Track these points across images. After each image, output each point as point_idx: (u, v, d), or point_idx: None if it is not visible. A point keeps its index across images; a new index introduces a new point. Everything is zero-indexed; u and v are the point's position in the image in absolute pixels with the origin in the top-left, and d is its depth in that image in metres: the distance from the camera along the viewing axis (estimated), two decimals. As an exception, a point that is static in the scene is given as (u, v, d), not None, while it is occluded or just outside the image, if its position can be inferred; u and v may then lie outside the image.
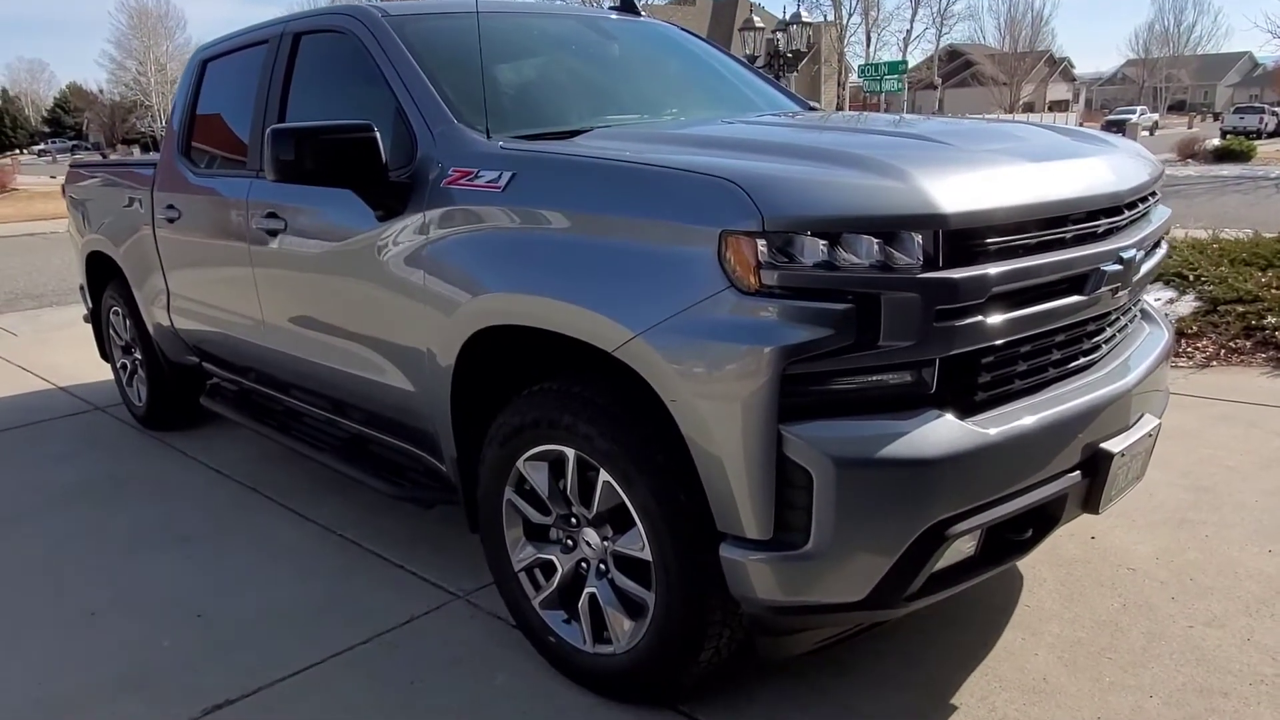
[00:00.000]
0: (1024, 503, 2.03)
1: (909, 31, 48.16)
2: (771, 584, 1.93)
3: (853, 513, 1.85)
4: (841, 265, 1.83)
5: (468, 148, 2.54)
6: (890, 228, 1.84)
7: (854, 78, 45.23)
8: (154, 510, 3.86)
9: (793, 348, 1.80)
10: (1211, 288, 5.68)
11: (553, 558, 2.46)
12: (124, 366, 5.12)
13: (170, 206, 4.00)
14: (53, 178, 36.89)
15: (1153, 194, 2.52)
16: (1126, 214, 2.28)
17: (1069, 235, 2.09)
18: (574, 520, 2.40)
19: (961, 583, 2.06)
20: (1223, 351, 5.13)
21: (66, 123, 78.32)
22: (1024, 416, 2.02)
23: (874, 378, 1.90)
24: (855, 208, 1.86)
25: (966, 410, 1.98)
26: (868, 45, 46.75)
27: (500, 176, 2.36)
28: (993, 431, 1.94)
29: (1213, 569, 2.88)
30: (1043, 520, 2.14)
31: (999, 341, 1.97)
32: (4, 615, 3.04)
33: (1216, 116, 55.69)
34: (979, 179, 2.00)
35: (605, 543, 2.33)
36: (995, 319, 1.93)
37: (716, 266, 1.87)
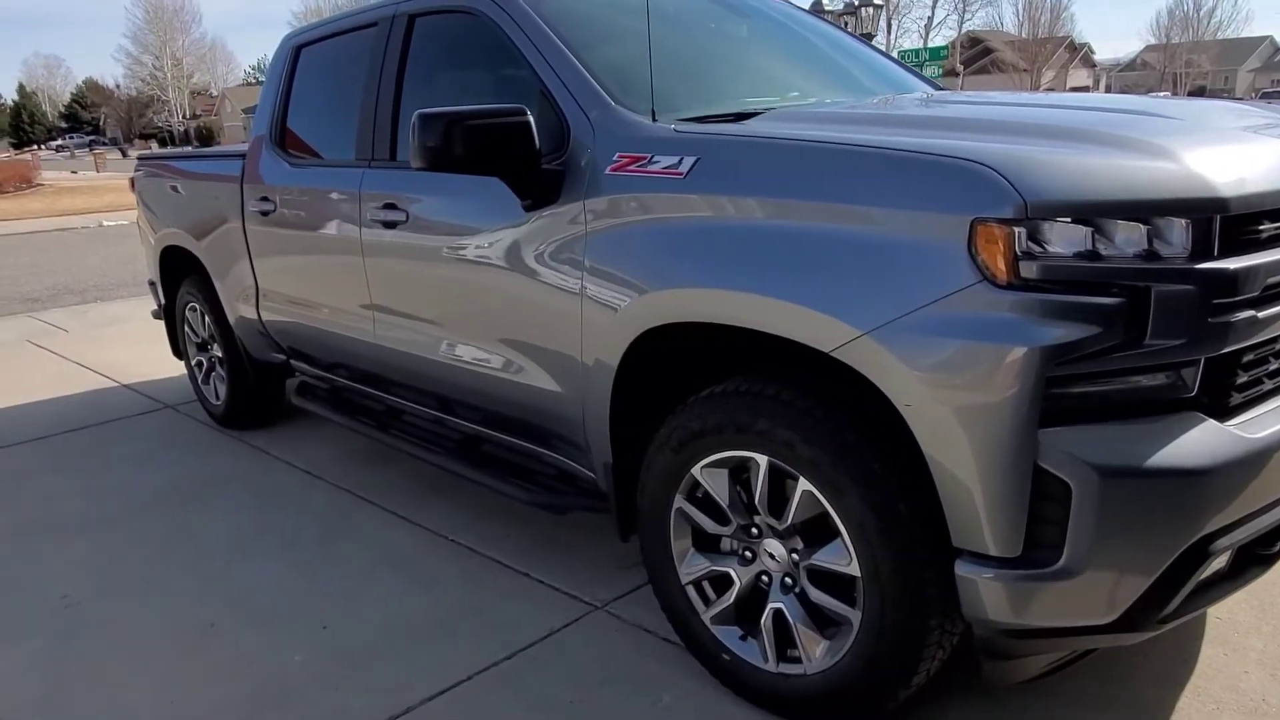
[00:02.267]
0: (1282, 513, 1.86)
1: (930, 18, 47.71)
2: (1015, 605, 1.76)
3: (1114, 528, 1.69)
4: (1107, 255, 1.66)
5: (634, 131, 2.37)
6: (1164, 213, 1.67)
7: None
8: (250, 514, 3.72)
9: (1058, 348, 1.63)
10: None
11: (729, 570, 2.29)
12: (200, 364, 4.97)
13: (264, 199, 3.84)
14: (74, 173, 37.10)
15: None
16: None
17: (1328, 221, 1.91)
18: (755, 530, 2.24)
19: (1210, 602, 1.90)
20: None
21: (83, 118, 78.59)
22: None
23: (1132, 379, 1.73)
24: (1125, 191, 1.69)
25: (1221, 414, 1.80)
26: (888, 32, 46.34)
27: (680, 162, 2.18)
28: (1260, 436, 1.77)
29: None
30: (1288, 533, 1.97)
31: (1262, 338, 1.80)
32: (120, 627, 2.91)
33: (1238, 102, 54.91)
34: (1245, 158, 1.82)
35: (794, 555, 2.16)
36: (1266, 313, 1.75)
37: (965, 258, 1.69)
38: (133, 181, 5.24)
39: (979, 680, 1.98)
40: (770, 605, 2.22)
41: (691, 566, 2.36)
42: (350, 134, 3.38)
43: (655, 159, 2.24)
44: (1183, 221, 1.67)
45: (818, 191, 1.93)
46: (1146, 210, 1.67)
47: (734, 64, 3.15)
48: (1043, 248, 1.66)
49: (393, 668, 2.61)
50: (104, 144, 66.73)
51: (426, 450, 3.31)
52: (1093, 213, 1.66)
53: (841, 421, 1.95)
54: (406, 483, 3.90)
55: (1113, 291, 1.64)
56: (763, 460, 2.10)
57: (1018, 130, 1.99)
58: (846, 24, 17.54)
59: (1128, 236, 1.66)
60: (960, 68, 50.60)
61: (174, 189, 4.71)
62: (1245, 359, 1.81)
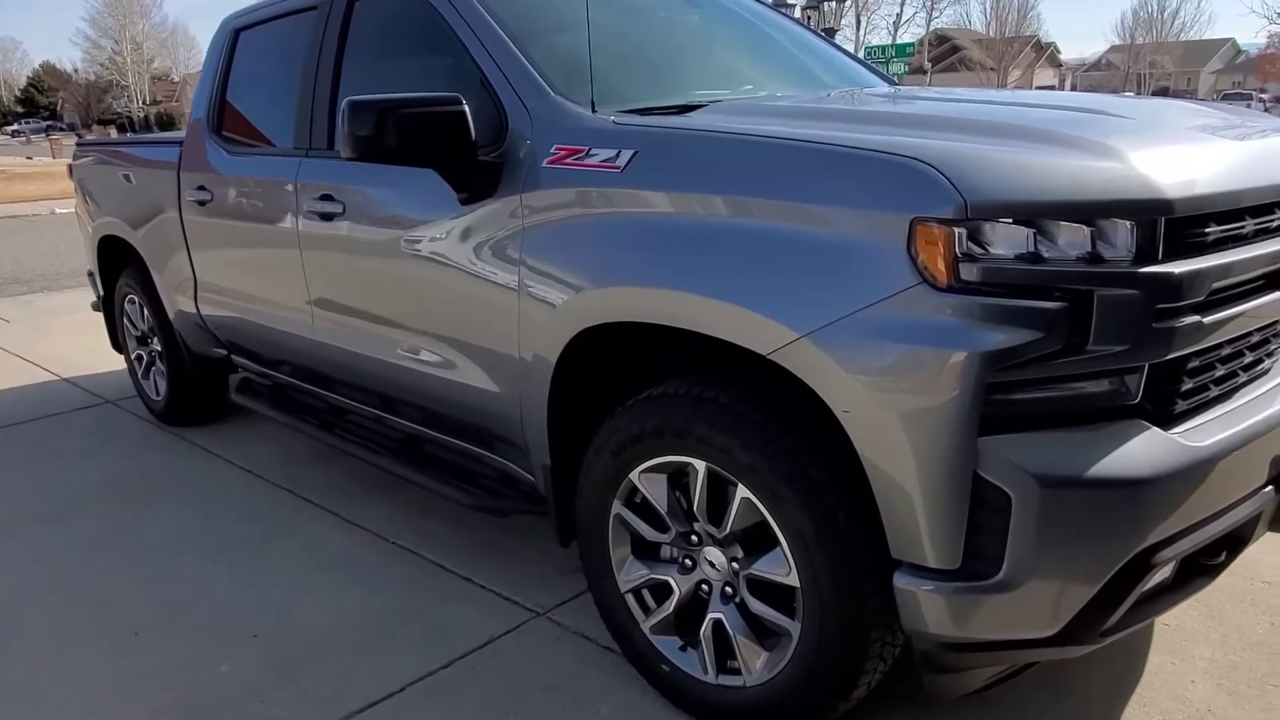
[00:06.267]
0: (1227, 523, 1.83)
1: (899, 15, 47.97)
2: (954, 618, 1.71)
3: (1055, 539, 1.63)
4: (1049, 258, 1.60)
5: (572, 123, 2.29)
6: (1107, 214, 1.61)
7: (843, 61, 44.94)
8: (188, 514, 3.60)
9: (998, 353, 1.57)
10: None
11: (668, 579, 2.22)
12: (139, 358, 4.82)
13: (200, 188, 3.71)
14: (29, 159, 36.18)
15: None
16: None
17: (1275, 223, 1.87)
18: (694, 538, 2.17)
19: (1153, 614, 1.86)
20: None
21: (40, 102, 76.78)
22: (1226, 428, 1.80)
23: (1074, 386, 1.68)
24: (1068, 191, 1.63)
25: (1165, 421, 1.76)
26: (857, 28, 46.53)
27: (618, 155, 2.10)
28: (1204, 445, 1.73)
29: (1355, 582, 2.69)
30: (1235, 542, 1.93)
31: (1207, 344, 1.75)
32: (44, 633, 2.78)
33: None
34: (1194, 159, 1.77)
35: (734, 564, 2.10)
36: (1211, 318, 1.71)
37: (904, 259, 1.63)
38: (71, 168, 5.07)
39: (921, 692, 1.93)
40: (710, 615, 2.15)
41: (631, 574, 2.29)
42: (289, 121, 3.26)
43: (593, 152, 2.16)
44: (1126, 224, 1.62)
45: (755, 188, 1.85)
46: (1090, 211, 1.61)
47: (685, 55, 3.08)
48: (984, 249, 1.60)
49: (324, 677, 2.51)
50: (61, 129, 65.17)
51: (367, 450, 3.21)
52: (1035, 214, 1.60)
53: (781, 427, 1.88)
54: (349, 482, 3.79)
55: (1055, 295, 1.59)
56: (701, 466, 2.03)
57: (962, 127, 1.92)
58: (810, 18, 17.53)
59: (1071, 239, 1.61)
60: (928, 65, 50.93)
61: (111, 176, 4.55)
62: (1190, 365, 1.77)
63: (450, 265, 2.53)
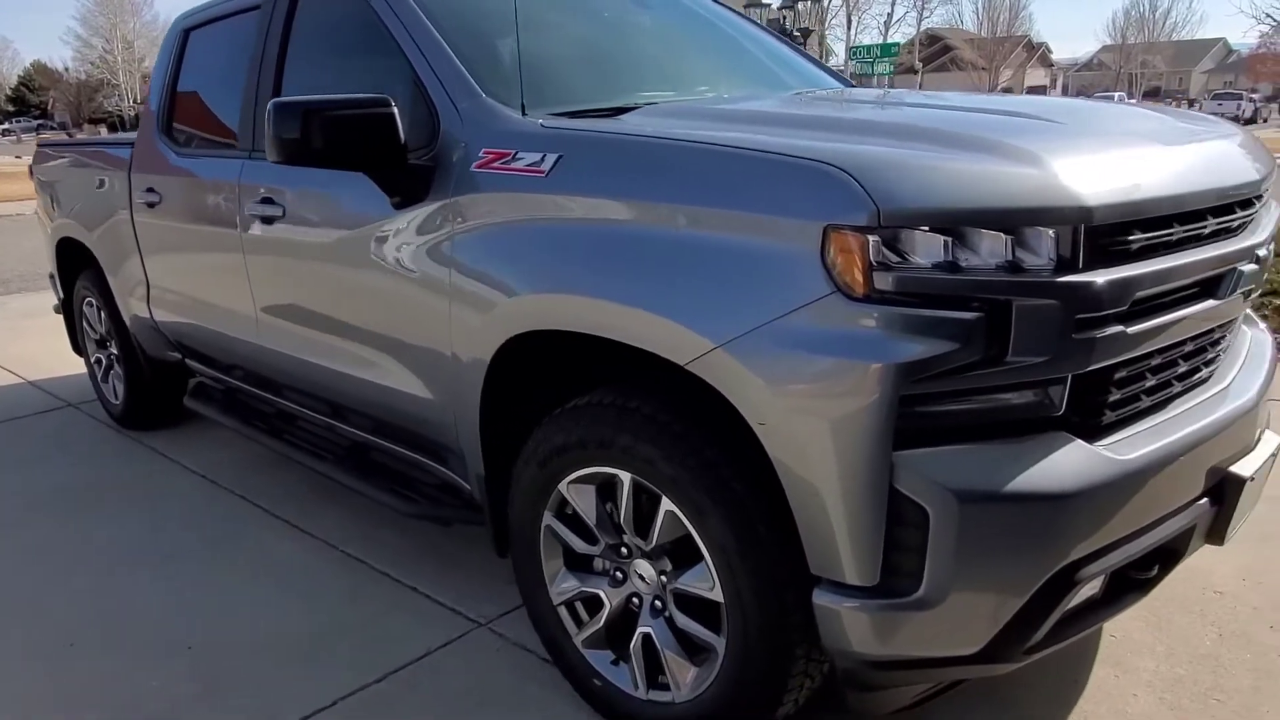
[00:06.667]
0: (1158, 536, 1.78)
1: (890, 14, 47.99)
2: (874, 636, 1.66)
3: (975, 555, 1.59)
4: (967, 266, 1.56)
5: (501, 126, 2.23)
6: (1025, 222, 1.56)
7: (834, 60, 45.01)
8: (137, 521, 3.53)
9: (913, 364, 1.52)
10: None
11: (599, 592, 2.17)
12: (99, 361, 4.76)
13: (150, 190, 3.65)
14: (18, 158, 35.87)
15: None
16: (1257, 205, 2.01)
17: (1207, 230, 1.82)
18: (625, 550, 2.12)
19: (1082, 630, 1.81)
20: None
21: (31, 101, 76.34)
22: (1157, 439, 1.76)
23: (994, 398, 1.63)
24: (986, 198, 1.58)
25: (1092, 434, 1.71)
26: (848, 27, 46.53)
27: (543, 159, 2.05)
28: (1131, 458, 1.68)
29: (1308, 592, 2.65)
30: (1168, 555, 1.89)
31: (1135, 354, 1.71)
32: (-28, 647, 2.73)
33: (1191, 103, 55.77)
34: (1118, 165, 1.72)
35: (662, 578, 2.05)
36: (1136, 328, 1.66)
37: (818, 267, 1.58)
38: (31, 169, 5.00)
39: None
40: (639, 629, 2.10)
41: (562, 587, 2.24)
42: (234, 122, 3.21)
43: (519, 156, 2.10)
44: (1045, 231, 1.57)
45: (672, 193, 1.80)
46: (1008, 219, 1.56)
47: (631, 57, 3.02)
48: (899, 258, 1.55)
49: (256, 691, 2.45)
50: (52, 128, 64.90)
51: (312, 457, 3.16)
52: (951, 221, 1.55)
53: (702, 439, 1.83)
54: (304, 489, 3.73)
55: (973, 305, 1.54)
56: (626, 478, 1.98)
57: (883, 131, 1.88)
58: (785, 18, 17.42)
59: (989, 247, 1.56)
60: (919, 65, 50.95)
61: (67, 177, 4.49)
62: (1118, 375, 1.72)
63: (384, 270, 2.48)
